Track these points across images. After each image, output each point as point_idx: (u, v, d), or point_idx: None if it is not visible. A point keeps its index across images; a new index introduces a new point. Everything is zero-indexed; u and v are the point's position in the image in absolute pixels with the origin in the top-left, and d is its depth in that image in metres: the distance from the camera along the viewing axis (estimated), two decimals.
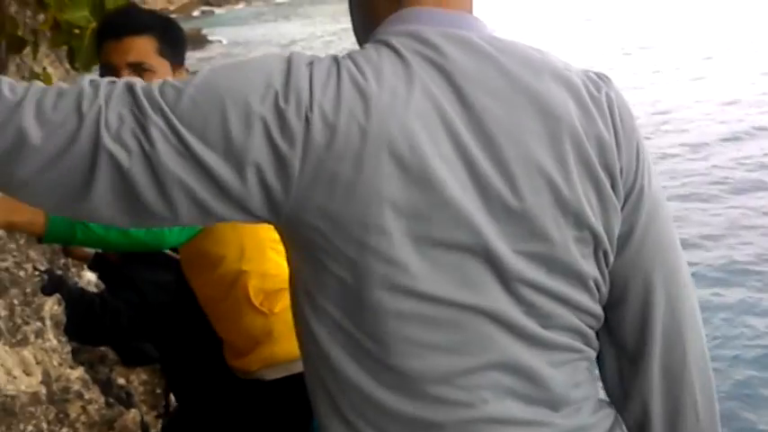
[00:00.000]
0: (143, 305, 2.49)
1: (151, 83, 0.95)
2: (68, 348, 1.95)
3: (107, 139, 0.90)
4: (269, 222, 0.98)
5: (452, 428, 0.96)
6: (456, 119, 0.94)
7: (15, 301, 1.86)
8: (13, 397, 1.59)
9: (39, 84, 0.95)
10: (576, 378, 1.03)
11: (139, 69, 1.84)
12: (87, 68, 3.11)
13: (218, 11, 35.61)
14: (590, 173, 0.99)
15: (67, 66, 3.45)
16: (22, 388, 1.63)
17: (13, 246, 2.05)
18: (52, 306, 1.87)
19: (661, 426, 1.07)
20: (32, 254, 2.31)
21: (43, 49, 3.51)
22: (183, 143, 0.91)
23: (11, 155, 0.91)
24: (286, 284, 2.05)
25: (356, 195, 0.92)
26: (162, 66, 1.88)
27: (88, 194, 0.92)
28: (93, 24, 3.22)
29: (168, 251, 2.28)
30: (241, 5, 37.16)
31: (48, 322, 1.85)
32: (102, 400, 1.88)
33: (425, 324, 0.95)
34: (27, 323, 1.78)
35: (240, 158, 0.91)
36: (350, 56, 0.97)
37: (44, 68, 3.46)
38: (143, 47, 1.88)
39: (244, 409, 2.16)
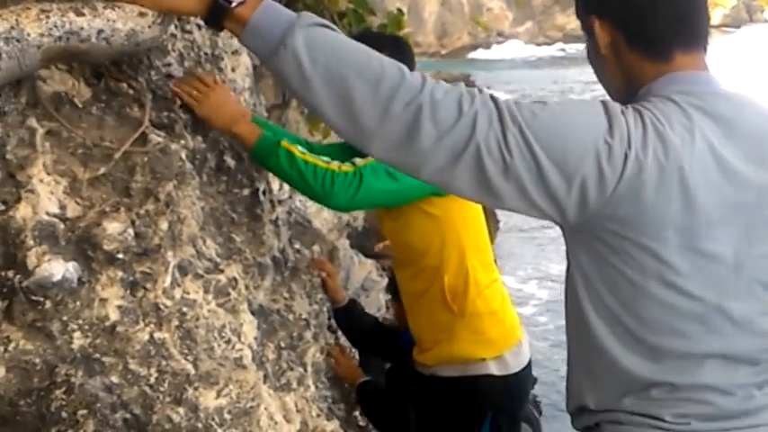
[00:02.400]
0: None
1: (507, 101, 1.28)
2: (325, 398, 2.00)
3: (479, 137, 1.23)
4: (562, 223, 1.30)
5: (680, 388, 1.29)
6: (723, 151, 1.26)
7: (282, 344, 1.94)
8: None
9: (429, 77, 1.30)
10: None
11: None
12: None
13: (488, 55, 36.15)
14: None
15: None
16: None
17: (284, 289, 2.14)
18: (314, 353, 1.93)
19: None
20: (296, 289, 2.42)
21: None
22: (531, 152, 1.23)
23: (411, 129, 1.25)
24: (476, 287, 2.32)
25: (648, 212, 1.23)
26: None
27: (452, 170, 1.26)
28: None
29: None
30: (514, 46, 37.26)
31: (309, 369, 1.91)
32: None
33: (678, 313, 1.27)
34: (291, 368, 1.84)
35: (571, 174, 1.23)
36: (645, 107, 1.29)
37: None
38: None
39: (421, 402, 2.43)
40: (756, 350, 1.31)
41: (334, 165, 2.00)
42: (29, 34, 1.36)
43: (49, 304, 1.37)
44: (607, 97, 1.40)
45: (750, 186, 1.28)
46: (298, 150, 1.99)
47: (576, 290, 1.34)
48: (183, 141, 1.78)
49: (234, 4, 1.40)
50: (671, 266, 1.25)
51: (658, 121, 1.25)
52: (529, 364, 2.41)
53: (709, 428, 1.30)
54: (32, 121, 1.49)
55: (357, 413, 2.73)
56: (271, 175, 2.42)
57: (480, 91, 1.29)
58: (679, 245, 1.24)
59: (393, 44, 2.21)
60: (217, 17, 1.43)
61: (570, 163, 1.22)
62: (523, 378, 2.38)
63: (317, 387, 1.92)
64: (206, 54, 2.08)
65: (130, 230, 1.51)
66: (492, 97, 1.27)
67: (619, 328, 1.30)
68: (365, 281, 4.69)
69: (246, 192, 2.21)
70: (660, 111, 1.27)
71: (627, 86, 1.39)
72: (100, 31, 1.46)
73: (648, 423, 1.31)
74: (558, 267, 8.71)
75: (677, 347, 1.29)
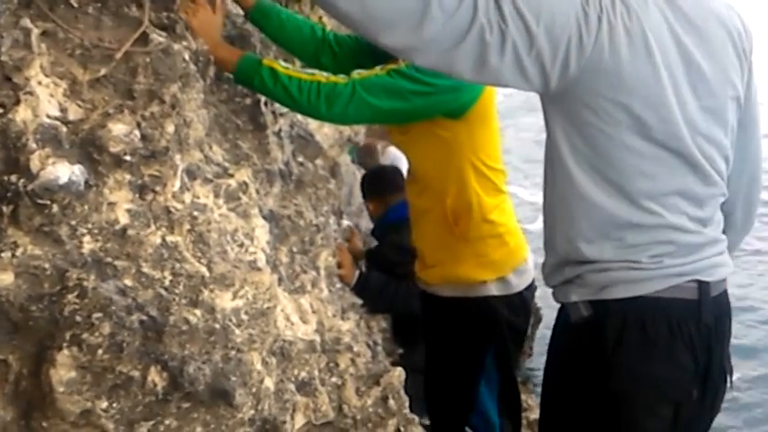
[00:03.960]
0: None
1: None
2: (339, 299, 1.99)
3: (480, 16, 1.35)
4: (544, 91, 1.46)
5: (649, 229, 1.51)
6: (674, 22, 1.46)
7: (294, 249, 1.91)
8: (290, 342, 1.63)
9: None
10: (717, 206, 1.59)
11: None
12: None
13: None
14: (740, 59, 1.57)
15: None
16: (299, 335, 1.66)
17: (292, 195, 2.11)
18: (326, 257, 1.90)
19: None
20: (302, 202, 2.38)
21: None
22: (523, 19, 1.36)
23: (420, 17, 1.34)
24: (480, 211, 2.34)
25: (622, 69, 1.41)
26: None
27: (454, 52, 1.38)
28: None
29: None
30: None
31: (322, 272, 1.89)
32: (369, 354, 1.90)
33: (645, 158, 1.47)
34: (305, 272, 1.82)
35: (558, 38, 1.38)
36: None
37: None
38: None
39: (426, 318, 2.46)
40: (702, 189, 1.53)
41: (321, 76, 1.94)
42: None
43: (56, 208, 1.34)
44: None
45: (694, 46, 1.49)
46: (280, 66, 1.94)
47: (558, 150, 1.52)
48: (185, 42, 1.72)
49: None
50: (641, 120, 1.44)
51: None
52: (533, 282, 2.40)
53: (675, 263, 1.52)
54: (26, 22, 1.42)
55: (373, 321, 2.74)
56: None
57: None
58: (646, 99, 1.43)
59: None
60: None
61: (557, 28, 1.37)
62: (527, 296, 2.38)
63: (330, 291, 1.90)
64: None
65: (136, 132, 1.46)
66: None
67: (598, 177, 1.49)
68: None
69: (248, 101, 2.15)
70: None
71: None
72: None
73: (628, 266, 1.52)
74: None
75: (647, 188, 1.49)
